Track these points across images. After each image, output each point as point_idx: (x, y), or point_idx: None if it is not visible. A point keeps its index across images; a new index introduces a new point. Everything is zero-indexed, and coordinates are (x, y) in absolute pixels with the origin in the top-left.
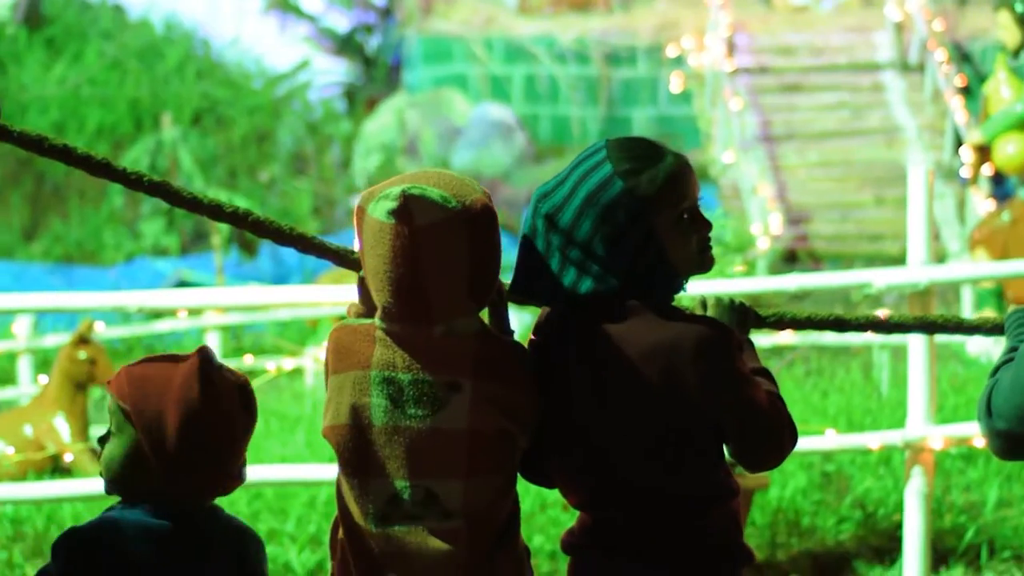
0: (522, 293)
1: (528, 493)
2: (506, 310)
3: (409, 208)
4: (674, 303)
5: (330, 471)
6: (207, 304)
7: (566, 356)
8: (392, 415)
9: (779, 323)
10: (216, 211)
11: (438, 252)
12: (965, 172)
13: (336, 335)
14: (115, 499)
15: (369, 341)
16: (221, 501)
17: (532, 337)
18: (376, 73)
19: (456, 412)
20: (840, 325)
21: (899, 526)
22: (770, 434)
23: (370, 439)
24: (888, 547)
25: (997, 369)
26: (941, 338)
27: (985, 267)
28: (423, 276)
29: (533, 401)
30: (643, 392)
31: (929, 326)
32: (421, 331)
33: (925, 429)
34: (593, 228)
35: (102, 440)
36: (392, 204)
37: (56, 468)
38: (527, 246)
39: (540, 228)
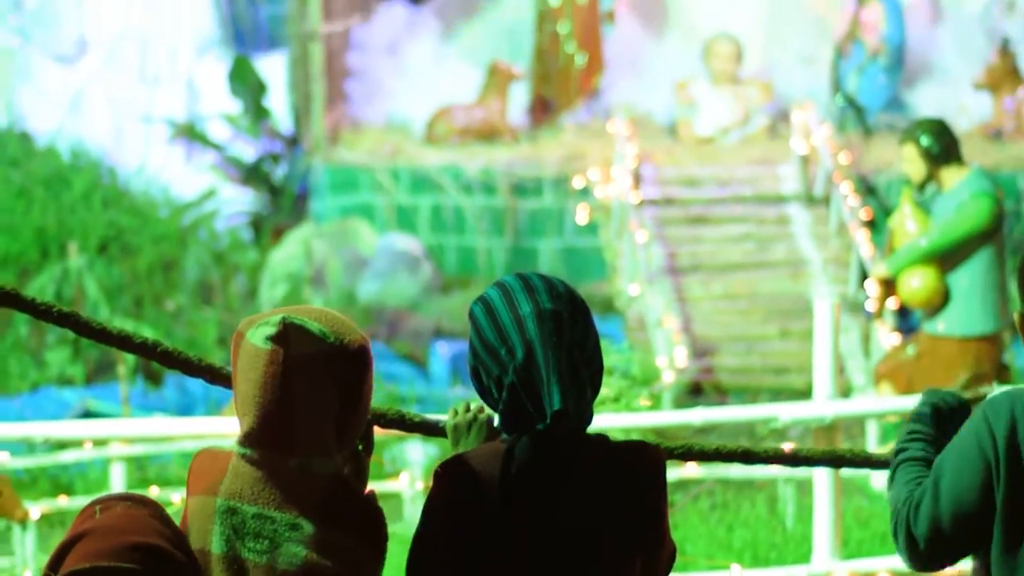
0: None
1: None
2: (367, 462)
3: (287, 336)
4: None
5: None
6: (113, 435)
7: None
8: (231, 545)
9: (687, 455)
10: (125, 342)
11: (309, 384)
12: (870, 305)
13: (197, 458)
14: None
15: (222, 469)
16: None
17: (462, 472)
18: (283, 202)
19: (293, 553)
20: (748, 458)
21: None
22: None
23: (211, 567)
24: None
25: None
26: (846, 472)
27: (890, 401)
28: (290, 405)
29: (375, 560)
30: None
31: (835, 460)
32: (276, 461)
33: (830, 564)
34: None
35: None
36: (270, 330)
37: None
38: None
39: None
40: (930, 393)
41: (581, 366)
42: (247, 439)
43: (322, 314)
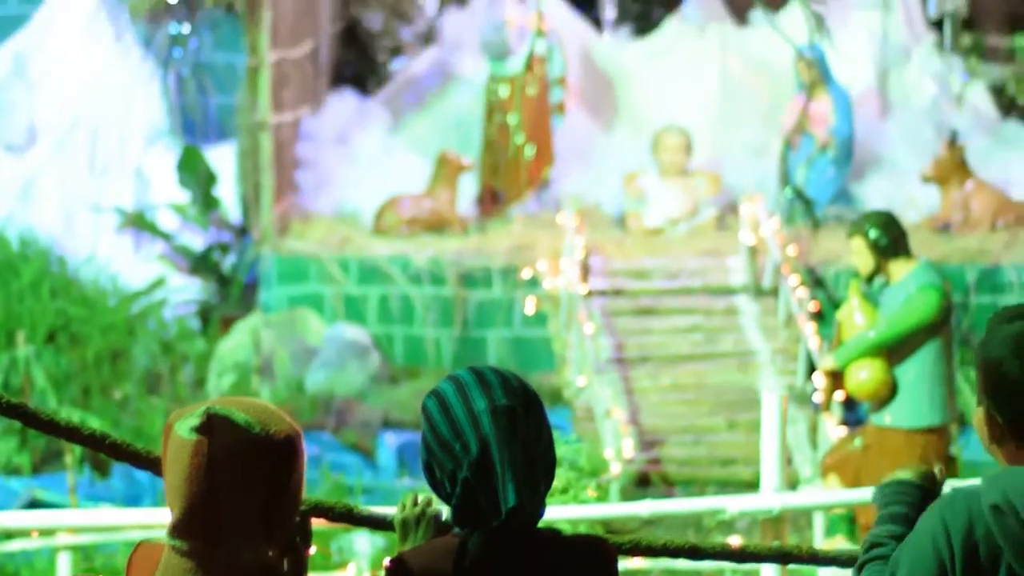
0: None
1: None
2: (305, 555)
3: (211, 427)
4: None
5: None
6: (60, 525)
7: None
8: None
9: (635, 550)
10: (74, 434)
11: (233, 474)
12: (818, 397)
13: (135, 551)
14: None
15: (156, 560)
16: None
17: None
18: (231, 292)
19: None
20: (695, 554)
21: None
22: None
23: None
24: None
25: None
26: (793, 566)
27: (837, 494)
28: (216, 496)
29: None
30: None
31: (783, 557)
32: (205, 552)
33: None
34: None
35: None
36: (195, 421)
37: None
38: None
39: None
40: (907, 490)
41: (535, 461)
42: (175, 530)
43: (251, 405)
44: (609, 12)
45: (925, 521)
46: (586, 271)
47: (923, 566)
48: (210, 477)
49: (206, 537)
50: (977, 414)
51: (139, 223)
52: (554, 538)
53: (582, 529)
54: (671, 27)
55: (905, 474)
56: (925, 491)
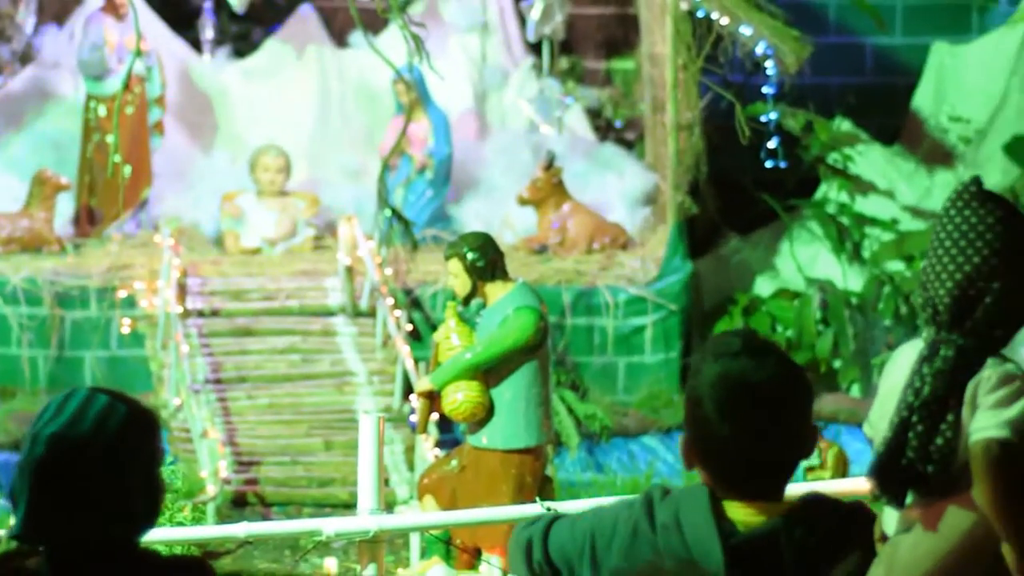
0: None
1: None
2: None
3: None
4: None
5: None
6: None
7: None
8: None
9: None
10: None
11: None
12: (414, 418)
13: None
14: None
15: None
16: None
17: None
18: None
19: None
20: None
21: None
22: None
23: None
24: None
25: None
26: None
27: (434, 515)
28: None
29: None
30: None
31: None
32: None
33: None
34: None
35: None
36: None
37: None
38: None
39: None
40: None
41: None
42: None
43: None
44: (208, 33)
45: (617, 507)
46: (183, 291)
47: (573, 541)
48: None
49: None
50: (681, 439)
51: None
52: (149, 559)
53: (178, 551)
54: (271, 48)
55: None
56: None
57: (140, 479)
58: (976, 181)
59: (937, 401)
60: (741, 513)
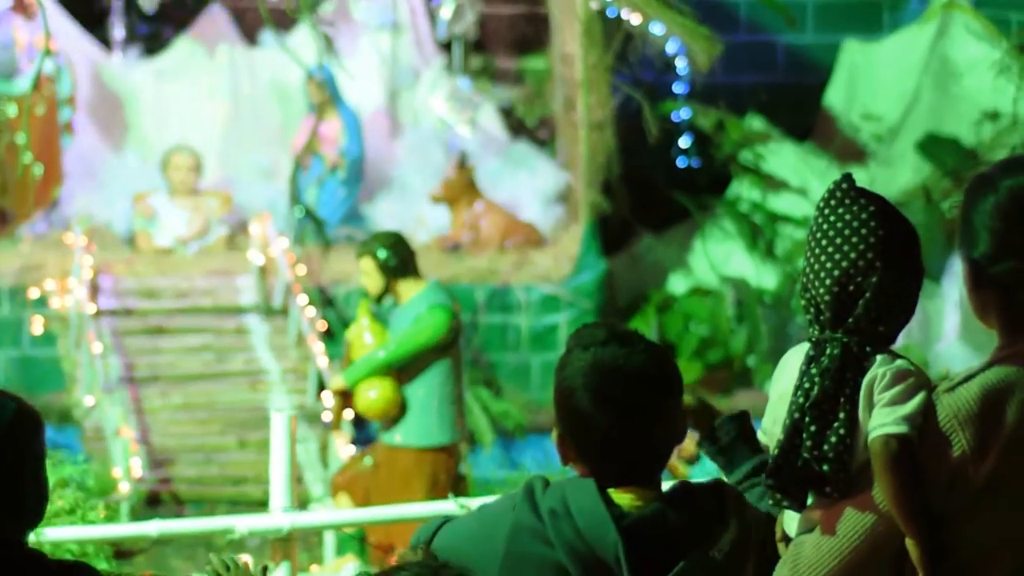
0: None
1: None
2: None
3: None
4: None
5: None
6: None
7: None
8: None
9: None
10: None
11: None
12: (328, 416)
13: None
14: None
15: None
16: None
17: None
18: None
19: None
20: None
21: None
22: None
23: None
24: None
25: None
26: None
27: (348, 513)
28: None
29: None
30: None
31: None
32: None
33: None
34: None
35: None
36: None
37: None
38: None
39: None
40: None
41: None
42: None
43: None
44: (118, 32)
45: (500, 504)
46: (95, 290)
47: (470, 538)
48: None
49: None
50: (554, 434)
51: None
52: (36, 560)
53: (90, 550)
54: (181, 47)
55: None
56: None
57: (29, 476)
58: (847, 178)
59: (827, 400)
60: (625, 499)
